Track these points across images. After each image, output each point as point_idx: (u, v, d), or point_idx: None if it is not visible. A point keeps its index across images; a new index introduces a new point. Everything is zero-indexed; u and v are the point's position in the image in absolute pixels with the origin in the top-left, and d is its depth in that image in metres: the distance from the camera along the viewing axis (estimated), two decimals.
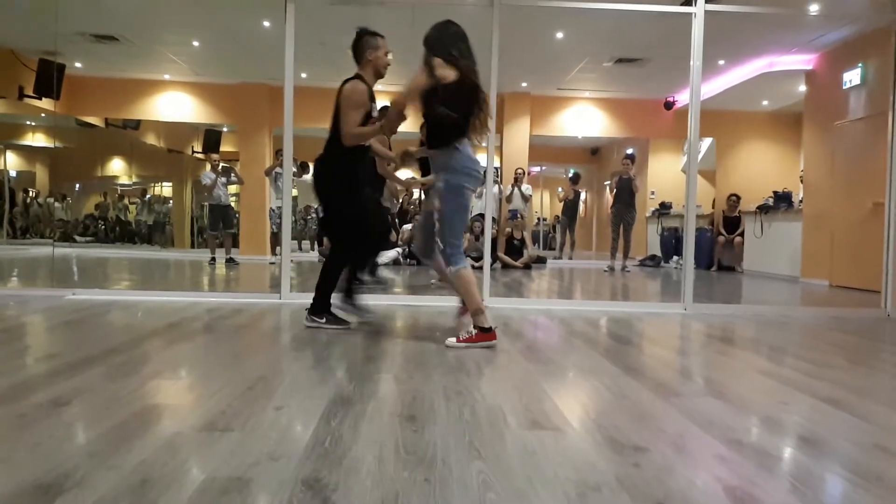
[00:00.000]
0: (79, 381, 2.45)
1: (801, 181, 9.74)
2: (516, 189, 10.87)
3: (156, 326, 3.87)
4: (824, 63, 8.80)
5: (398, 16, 7.38)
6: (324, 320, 3.90)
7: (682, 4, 5.58)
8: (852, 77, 8.02)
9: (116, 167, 16.45)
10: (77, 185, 16.27)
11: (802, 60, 9.00)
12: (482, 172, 3.83)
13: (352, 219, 3.92)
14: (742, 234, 10.74)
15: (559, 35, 8.56)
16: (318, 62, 9.86)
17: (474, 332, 3.43)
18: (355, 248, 4.04)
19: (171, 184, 16.31)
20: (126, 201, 16.41)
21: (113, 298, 5.11)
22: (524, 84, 11.40)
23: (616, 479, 1.63)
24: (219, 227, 10.06)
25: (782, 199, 9.83)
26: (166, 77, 11.51)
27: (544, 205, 18.80)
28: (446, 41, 3.43)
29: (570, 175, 13.01)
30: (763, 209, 10.06)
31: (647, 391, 2.56)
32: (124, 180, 16.55)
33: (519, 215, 10.71)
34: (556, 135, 12.58)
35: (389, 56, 3.94)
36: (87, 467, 1.61)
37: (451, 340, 3.42)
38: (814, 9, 7.08)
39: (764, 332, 4.43)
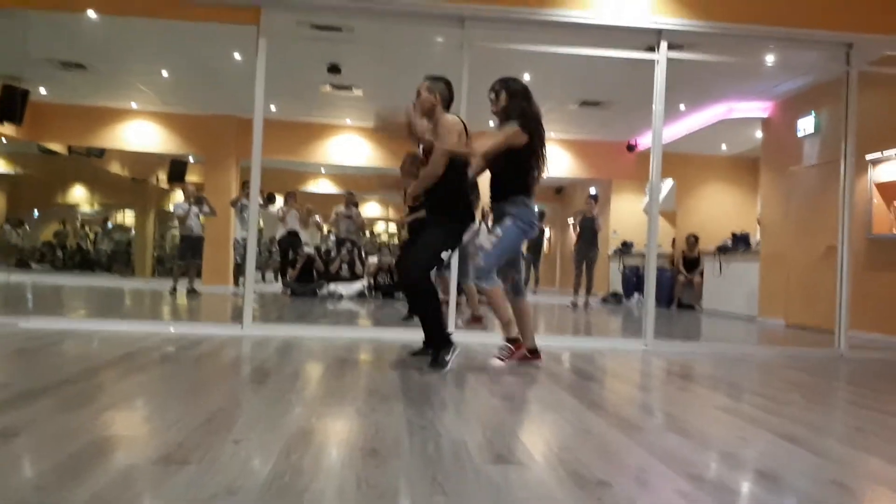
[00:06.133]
0: (29, 412, 2.37)
1: (759, 223, 10.02)
2: (483, 225, 10.93)
3: (112, 356, 3.77)
4: (780, 111, 9.13)
5: (369, 53, 7.48)
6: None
7: (645, 51, 5.77)
8: (806, 125, 8.32)
9: (78, 195, 16.15)
10: (36, 212, 15.91)
11: (759, 108, 9.33)
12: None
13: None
14: (701, 274, 10.96)
15: (526, 77, 8.73)
16: (287, 95, 9.92)
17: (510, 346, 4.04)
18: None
19: (133, 212, 16.08)
20: (87, 229, 16.09)
21: (68, 327, 4.96)
22: (492, 123, 11.54)
23: None
24: (187, 256, 9.94)
25: (740, 241, 10.08)
26: (133, 106, 11.38)
27: None
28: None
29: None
30: (722, 250, 10.30)
31: (610, 426, 2.58)
32: (86, 208, 16.25)
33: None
34: None
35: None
36: (34, 501, 1.55)
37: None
38: (770, 59, 7.37)
39: (722, 369, 4.50)
